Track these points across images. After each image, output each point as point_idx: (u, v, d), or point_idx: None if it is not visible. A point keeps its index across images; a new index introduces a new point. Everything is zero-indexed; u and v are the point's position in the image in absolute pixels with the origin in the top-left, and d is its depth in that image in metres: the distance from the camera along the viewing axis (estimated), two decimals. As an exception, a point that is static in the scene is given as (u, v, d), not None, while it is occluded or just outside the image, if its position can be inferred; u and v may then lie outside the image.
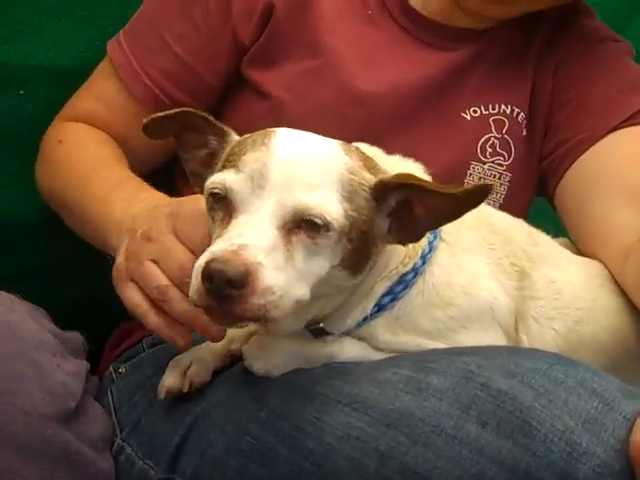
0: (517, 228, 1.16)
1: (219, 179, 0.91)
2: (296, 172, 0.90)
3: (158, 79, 1.33)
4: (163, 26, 1.33)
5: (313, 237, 0.89)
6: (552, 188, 1.36)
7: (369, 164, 0.95)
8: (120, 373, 1.28)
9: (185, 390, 1.07)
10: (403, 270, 1.02)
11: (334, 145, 0.94)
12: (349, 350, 1.04)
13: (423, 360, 0.96)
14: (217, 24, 1.31)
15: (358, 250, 0.92)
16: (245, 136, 0.97)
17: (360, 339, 1.05)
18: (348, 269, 0.93)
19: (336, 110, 1.28)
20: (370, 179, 0.93)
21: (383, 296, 1.02)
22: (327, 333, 1.03)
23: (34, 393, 1.00)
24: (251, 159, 0.90)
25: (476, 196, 0.89)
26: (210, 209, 0.93)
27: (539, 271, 1.11)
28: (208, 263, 0.85)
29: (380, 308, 1.02)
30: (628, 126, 1.31)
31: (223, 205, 0.91)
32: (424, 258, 1.03)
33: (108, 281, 1.46)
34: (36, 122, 1.39)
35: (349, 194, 0.91)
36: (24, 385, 0.99)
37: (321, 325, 1.01)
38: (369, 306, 1.02)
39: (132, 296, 1.02)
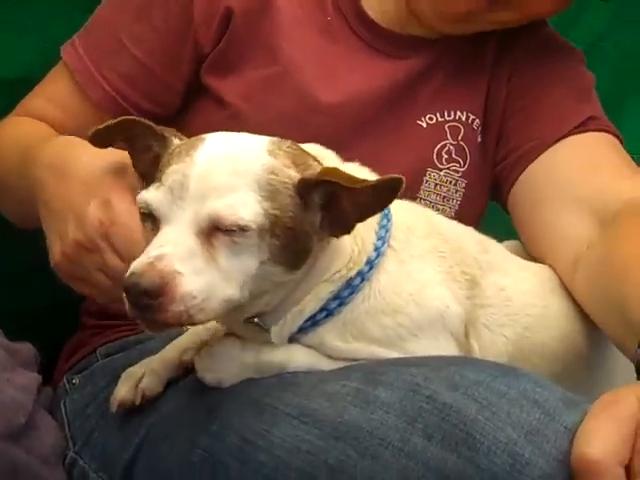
0: (467, 236, 1.16)
1: (142, 198, 0.94)
2: (211, 178, 0.92)
3: (116, 83, 1.31)
4: (120, 29, 1.31)
5: (231, 236, 0.91)
6: (505, 195, 1.38)
7: (299, 161, 0.96)
8: (74, 384, 1.27)
9: (137, 403, 1.07)
10: (348, 275, 1.02)
11: (259, 146, 0.96)
12: (300, 359, 1.04)
13: (372, 372, 0.97)
14: (178, 26, 1.29)
15: (289, 246, 0.93)
16: (179, 143, 0.98)
17: (310, 347, 1.05)
18: (283, 265, 0.94)
19: (295, 117, 1.28)
20: (294, 177, 0.94)
21: (330, 301, 1.02)
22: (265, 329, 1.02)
23: None
24: (172, 171, 0.93)
25: (388, 188, 0.91)
26: (143, 223, 0.96)
27: (489, 279, 1.12)
28: (126, 277, 0.88)
29: (328, 313, 1.02)
30: (578, 133, 1.32)
31: (151, 219, 0.94)
32: (371, 263, 1.03)
33: (61, 290, 1.47)
34: None
35: (270, 193, 0.92)
36: None
37: (255, 320, 1.01)
38: (310, 308, 1.02)
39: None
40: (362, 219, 0.96)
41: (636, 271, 1.06)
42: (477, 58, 1.39)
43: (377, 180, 0.91)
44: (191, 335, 1.12)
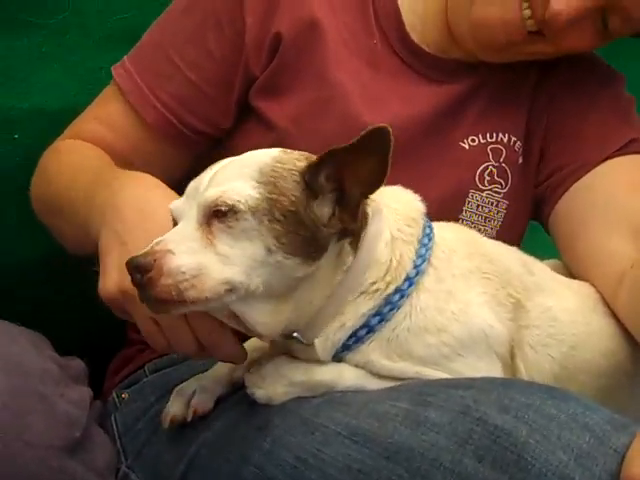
0: (512, 257, 1.18)
1: (170, 208, 1.01)
2: (219, 175, 0.99)
3: (170, 104, 1.33)
4: (174, 51, 1.33)
5: (225, 222, 0.95)
6: (546, 214, 1.40)
7: (310, 158, 1.00)
8: (123, 399, 1.30)
9: (189, 419, 1.09)
10: (387, 290, 1.04)
11: (275, 149, 1.02)
12: (349, 378, 1.06)
13: (421, 393, 0.99)
14: (231, 51, 1.31)
15: (296, 233, 0.96)
16: None
17: (358, 367, 1.07)
18: (295, 255, 0.96)
19: (342, 141, 1.30)
20: (301, 165, 0.98)
21: (370, 317, 1.04)
22: (303, 344, 1.04)
23: (40, 426, 1.02)
24: (194, 181, 1.00)
25: (375, 138, 0.93)
26: None
27: (534, 300, 1.14)
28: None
29: (369, 330, 1.04)
30: (621, 155, 1.34)
31: None
32: (410, 281, 1.05)
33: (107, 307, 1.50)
34: (31, 166, 1.39)
35: (270, 179, 0.96)
36: (30, 419, 1.02)
37: (295, 334, 1.03)
38: (351, 323, 1.04)
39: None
40: (368, 189, 0.98)
41: None
42: (519, 81, 1.41)
43: (364, 132, 0.94)
44: None
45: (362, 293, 1.04)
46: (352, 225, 1.00)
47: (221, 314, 1.00)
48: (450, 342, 1.05)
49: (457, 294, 1.07)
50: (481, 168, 1.38)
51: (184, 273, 0.93)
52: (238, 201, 0.95)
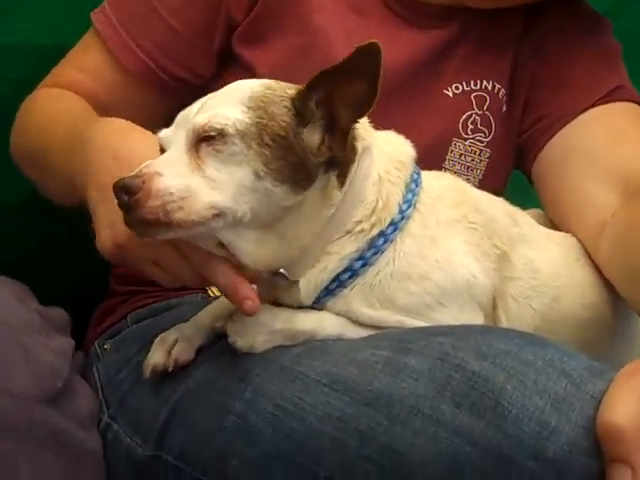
0: (498, 207, 1.18)
1: (158, 137, 1.01)
2: (209, 102, 0.99)
3: (151, 51, 1.32)
4: None
5: (213, 145, 0.95)
6: (529, 163, 1.39)
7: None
8: (105, 349, 1.30)
9: (170, 369, 1.09)
10: (371, 233, 1.04)
11: (267, 79, 1.02)
12: (330, 326, 1.06)
13: (401, 340, 0.99)
14: (213, 1, 1.30)
15: (284, 159, 0.96)
16: None
17: (339, 315, 1.07)
18: (283, 183, 0.96)
19: None
20: (292, 92, 0.98)
21: (354, 261, 1.04)
22: (287, 278, 1.04)
23: (22, 376, 1.01)
24: (183, 111, 1.01)
25: (364, 57, 0.92)
26: None
27: (518, 251, 1.14)
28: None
29: (352, 274, 1.05)
30: (604, 103, 1.33)
31: None
32: (395, 225, 1.05)
33: (92, 257, 1.49)
34: (12, 101, 1.38)
35: (260, 103, 0.96)
36: (13, 369, 1.01)
37: (281, 270, 1.03)
38: (333, 265, 1.04)
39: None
40: (358, 112, 0.97)
41: None
42: (504, 28, 1.39)
43: (353, 50, 0.93)
44: (223, 302, 1.14)
45: (347, 233, 1.04)
46: (340, 153, 1.00)
47: (209, 243, 1.00)
48: (432, 291, 1.05)
49: (441, 241, 1.07)
50: (465, 116, 1.37)
51: (172, 194, 0.93)
52: (226, 124, 0.95)
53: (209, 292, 1.29)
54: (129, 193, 0.93)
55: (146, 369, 1.10)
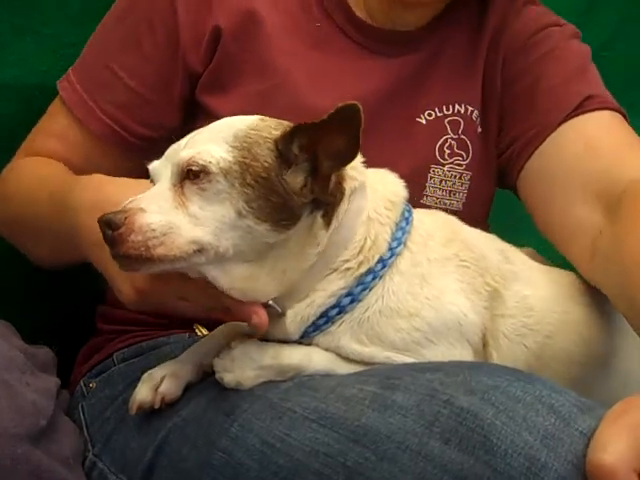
0: (490, 245, 1.17)
1: (149, 169, 1.04)
2: (197, 137, 1.02)
3: (114, 113, 1.33)
4: (112, 61, 1.33)
5: (197, 184, 0.97)
6: (514, 183, 1.37)
7: (287, 127, 1.01)
8: (91, 388, 1.29)
9: (156, 406, 1.08)
10: (359, 270, 1.04)
11: (254, 117, 1.03)
12: (318, 362, 1.06)
13: (389, 377, 0.98)
14: (167, 52, 1.31)
15: (266, 199, 0.97)
16: None
17: (328, 351, 1.07)
18: (266, 221, 0.98)
19: None
20: (276, 134, 1.00)
21: (342, 297, 1.04)
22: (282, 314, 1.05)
23: (4, 413, 1.00)
24: (174, 144, 1.03)
25: (344, 116, 0.94)
26: None
27: (511, 289, 1.13)
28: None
29: (340, 310, 1.05)
30: (577, 115, 1.31)
31: None
32: (384, 262, 1.05)
33: (78, 296, 1.49)
34: (3, 139, 1.41)
35: (244, 144, 0.98)
36: None
37: (270, 302, 1.03)
38: (321, 300, 1.04)
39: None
40: (340, 164, 0.99)
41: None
42: (470, 49, 1.39)
43: (333, 110, 0.94)
44: (211, 340, 1.14)
45: (334, 271, 1.04)
46: (322, 196, 1.01)
47: (195, 275, 1.01)
48: (422, 327, 1.05)
49: (431, 280, 1.07)
50: (440, 142, 1.36)
51: (154, 230, 0.95)
52: (210, 162, 0.97)
53: (197, 331, 1.28)
54: (112, 228, 0.95)
55: (132, 405, 1.09)
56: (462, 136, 1.37)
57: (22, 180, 1.34)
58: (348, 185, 1.05)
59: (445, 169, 1.36)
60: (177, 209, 0.97)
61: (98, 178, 1.15)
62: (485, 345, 1.11)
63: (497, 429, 0.87)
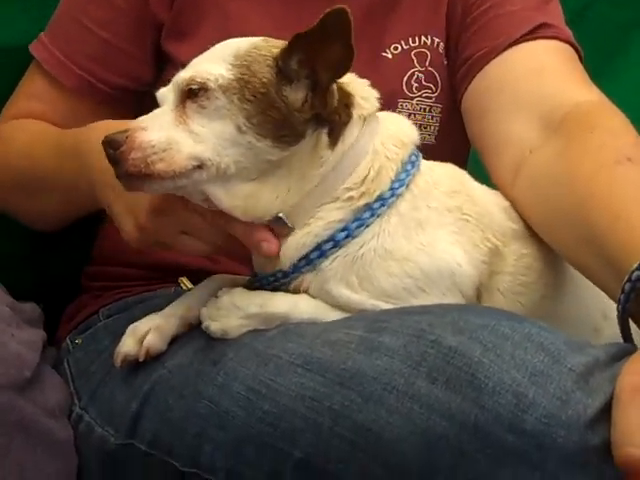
0: (496, 202, 1.16)
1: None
2: (195, 60, 1.04)
3: (87, 66, 1.34)
4: (82, 14, 1.35)
5: (197, 102, 0.99)
6: (459, 102, 1.35)
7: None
8: (77, 344, 1.28)
9: (141, 359, 1.07)
10: (358, 202, 1.04)
11: (258, 38, 1.04)
12: (304, 310, 1.05)
13: (375, 320, 0.98)
14: (136, 3, 1.32)
15: (266, 114, 0.99)
16: None
17: (315, 297, 1.06)
18: (267, 138, 0.99)
19: None
20: (276, 52, 1.01)
21: (338, 232, 1.03)
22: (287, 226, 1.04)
23: None
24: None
25: (332, 22, 0.95)
26: None
27: (511, 246, 1.12)
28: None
29: (335, 245, 1.04)
30: (527, 41, 1.29)
31: None
32: (384, 201, 1.04)
33: (64, 259, 1.48)
34: None
35: (244, 62, 1.00)
36: None
37: (280, 215, 1.03)
38: (317, 231, 1.04)
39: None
40: (337, 73, 1.00)
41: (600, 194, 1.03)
42: None
43: (323, 14, 0.95)
44: (196, 292, 1.13)
45: (335, 199, 1.04)
46: (323, 111, 1.02)
47: (198, 198, 1.02)
48: (414, 274, 1.04)
49: (428, 227, 1.06)
50: (407, 75, 1.35)
51: (153, 147, 0.97)
52: (208, 79, 0.99)
53: (182, 285, 1.27)
54: (114, 147, 0.98)
55: (117, 358, 1.08)
56: (429, 68, 1.36)
57: (16, 141, 1.34)
58: (356, 111, 1.06)
59: (414, 102, 1.35)
60: (178, 127, 0.99)
61: (105, 121, 1.17)
62: (478, 299, 1.09)
63: (484, 367, 0.86)
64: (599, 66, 1.38)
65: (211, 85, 0.98)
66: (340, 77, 1.01)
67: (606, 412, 0.82)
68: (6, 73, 1.42)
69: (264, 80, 0.99)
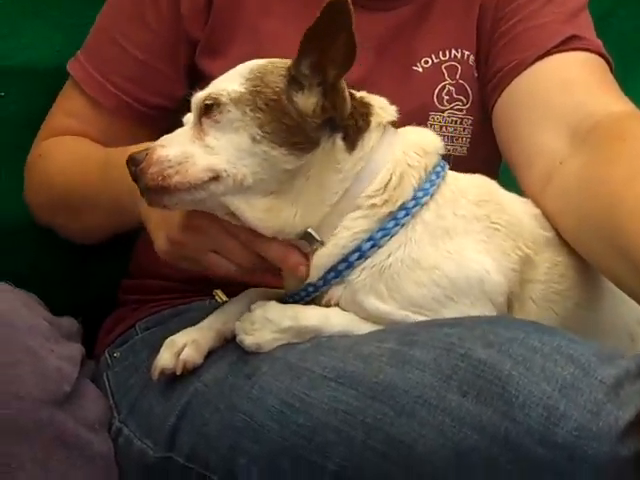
0: (525, 209, 1.16)
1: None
2: (214, 81, 1.07)
3: (124, 86, 1.36)
4: (118, 34, 1.37)
5: (211, 117, 1.02)
6: (489, 116, 1.35)
7: None
8: (115, 357, 1.30)
9: (178, 373, 1.09)
10: (381, 210, 1.05)
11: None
12: (336, 322, 1.06)
13: (406, 333, 0.99)
14: (171, 21, 1.34)
15: (279, 122, 1.00)
16: None
17: (345, 309, 1.07)
18: (281, 146, 1.00)
19: None
20: (291, 65, 1.02)
21: (363, 242, 1.04)
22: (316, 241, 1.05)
23: (28, 378, 1.02)
24: None
25: (333, 12, 0.96)
26: None
27: (543, 254, 1.12)
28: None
29: (361, 255, 1.04)
30: (558, 52, 1.29)
31: None
32: (407, 210, 1.05)
33: (102, 270, 1.50)
34: (20, 123, 1.44)
35: (258, 74, 1.03)
36: (18, 371, 1.02)
37: (309, 230, 1.05)
38: (344, 240, 1.05)
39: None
40: (342, 67, 1.00)
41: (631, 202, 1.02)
42: None
43: (323, 7, 0.96)
44: (231, 305, 1.14)
45: (358, 208, 1.05)
46: (334, 114, 1.02)
47: (221, 212, 1.04)
48: (442, 282, 1.04)
49: (454, 235, 1.06)
50: (438, 88, 1.36)
51: (170, 161, 1.01)
52: (220, 94, 1.02)
53: (217, 298, 1.29)
54: (135, 164, 1.02)
55: (154, 371, 1.10)
56: (460, 81, 1.37)
57: (60, 159, 1.37)
58: (375, 119, 1.07)
59: (445, 115, 1.36)
60: (194, 142, 1.02)
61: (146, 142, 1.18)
62: (509, 309, 1.09)
63: (515, 380, 0.87)
64: (621, 72, 1.36)
65: (223, 99, 1.01)
66: (346, 71, 1.01)
67: (637, 424, 0.83)
68: (42, 93, 1.44)
69: (276, 89, 1.01)
